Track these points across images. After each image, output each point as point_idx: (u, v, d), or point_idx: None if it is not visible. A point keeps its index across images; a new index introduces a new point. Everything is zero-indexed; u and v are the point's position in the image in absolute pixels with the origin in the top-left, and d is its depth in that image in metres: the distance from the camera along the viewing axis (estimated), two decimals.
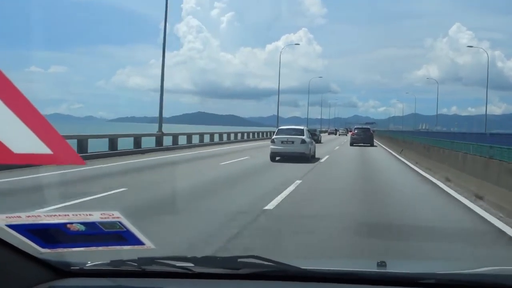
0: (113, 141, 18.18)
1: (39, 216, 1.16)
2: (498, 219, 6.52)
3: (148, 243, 1.32)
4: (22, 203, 7.11)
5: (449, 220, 6.84)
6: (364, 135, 33.38)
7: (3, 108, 0.84)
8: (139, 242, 1.30)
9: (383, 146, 33.13)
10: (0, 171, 10.69)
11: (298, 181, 10.46)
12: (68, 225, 1.21)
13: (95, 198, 7.59)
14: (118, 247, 1.32)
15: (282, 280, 1.52)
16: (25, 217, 1.15)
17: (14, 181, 9.71)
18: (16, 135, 0.86)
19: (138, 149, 19.66)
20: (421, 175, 13.18)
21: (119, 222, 1.21)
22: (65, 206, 6.46)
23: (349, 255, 4.60)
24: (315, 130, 40.78)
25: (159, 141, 22.07)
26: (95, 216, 1.17)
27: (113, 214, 1.17)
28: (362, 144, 32.15)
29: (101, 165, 13.44)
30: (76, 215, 1.17)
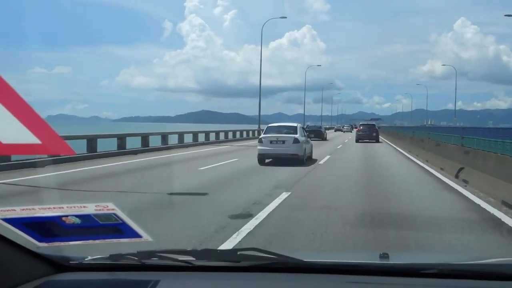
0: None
1: (33, 209, 1.15)
2: None
3: (146, 236, 1.30)
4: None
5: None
6: (369, 132, 33.73)
7: None
8: (136, 235, 1.29)
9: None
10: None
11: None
12: (63, 218, 1.20)
13: None
14: (115, 240, 1.31)
15: (283, 272, 1.50)
16: (19, 210, 1.14)
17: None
18: (4, 126, 0.85)
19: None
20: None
21: (115, 214, 1.20)
22: None
23: None
24: (320, 127, 40.57)
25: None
26: (90, 208, 1.16)
27: (107, 206, 1.16)
28: (367, 140, 32.34)
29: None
30: (71, 207, 1.16)
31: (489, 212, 6.65)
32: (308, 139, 16.40)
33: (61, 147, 0.89)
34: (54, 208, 1.16)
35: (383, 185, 9.71)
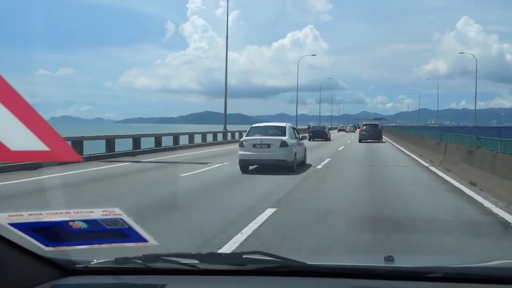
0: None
1: (41, 214, 1.16)
2: None
3: (152, 240, 1.31)
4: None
5: None
6: (372, 131, 33.76)
7: None
8: (142, 239, 1.30)
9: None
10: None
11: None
12: (70, 223, 1.21)
13: None
14: (121, 245, 1.32)
15: (288, 276, 1.50)
16: (27, 215, 1.15)
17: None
18: (12, 132, 0.86)
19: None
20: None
21: (121, 219, 1.20)
22: None
23: None
24: (323, 128, 40.41)
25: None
26: (97, 213, 1.17)
27: (114, 211, 1.17)
28: (370, 140, 32.34)
29: None
30: (78, 212, 1.17)
31: None
32: (301, 141, 13.94)
33: (69, 154, 0.90)
34: (61, 213, 1.17)
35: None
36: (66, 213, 1.17)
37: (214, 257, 1.64)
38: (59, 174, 10.96)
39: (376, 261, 1.82)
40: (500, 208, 6.84)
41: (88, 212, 1.16)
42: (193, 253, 1.65)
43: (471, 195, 8.24)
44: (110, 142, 17.75)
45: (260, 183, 9.95)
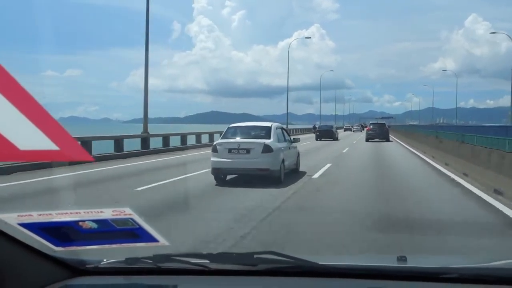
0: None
1: (50, 214, 1.15)
2: None
3: (162, 240, 1.29)
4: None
5: None
6: (379, 130, 33.64)
7: (7, 105, 0.82)
8: (153, 239, 1.28)
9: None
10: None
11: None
12: (80, 223, 1.20)
13: None
14: (132, 245, 1.30)
15: (300, 276, 1.48)
16: (36, 216, 1.14)
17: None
18: (22, 132, 0.84)
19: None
20: None
21: (132, 219, 1.19)
22: None
23: None
24: (331, 127, 40.13)
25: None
26: (107, 213, 1.15)
27: (124, 211, 1.15)
28: (377, 140, 32.20)
29: None
30: (88, 212, 1.16)
31: None
32: (293, 144, 11.52)
33: (80, 153, 0.88)
34: (71, 213, 1.16)
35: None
36: (76, 213, 1.15)
37: (225, 257, 1.62)
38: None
39: (389, 261, 1.79)
40: None
41: (98, 212, 1.15)
42: (204, 253, 1.64)
43: None
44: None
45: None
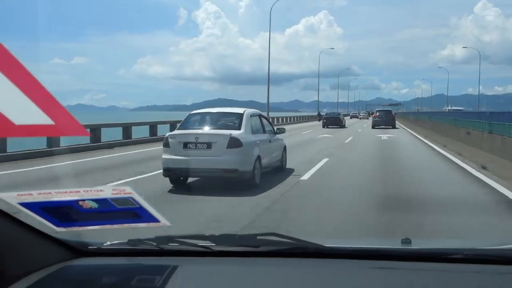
0: None
1: (50, 193, 1.14)
2: None
3: (163, 220, 1.28)
4: None
5: None
6: (386, 118, 33.94)
7: (2, 79, 0.80)
8: (154, 219, 1.27)
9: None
10: None
11: None
12: (80, 202, 1.18)
13: None
14: (133, 225, 1.29)
15: (303, 257, 1.47)
16: (36, 195, 1.13)
17: None
18: (17, 106, 0.83)
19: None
20: None
21: (132, 198, 1.17)
22: None
23: None
24: (338, 114, 39.89)
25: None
26: (107, 192, 1.14)
27: (124, 190, 1.14)
28: (383, 127, 32.22)
29: None
30: (87, 191, 1.14)
31: None
32: (276, 136, 9.21)
33: (76, 128, 0.87)
34: (70, 192, 1.14)
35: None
36: (76, 192, 1.14)
37: (227, 238, 1.62)
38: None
39: (393, 244, 1.78)
40: None
41: (98, 191, 1.14)
42: (207, 234, 1.63)
43: None
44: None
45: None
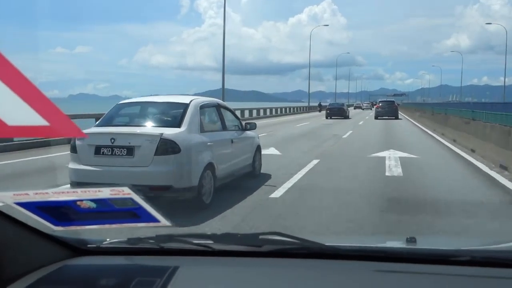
0: None
1: (47, 193, 1.11)
2: None
3: (163, 220, 1.25)
4: None
5: None
6: (389, 108, 34.65)
7: None
8: (154, 219, 1.24)
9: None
10: None
11: None
12: (78, 203, 1.16)
13: None
14: (132, 225, 1.27)
15: (306, 258, 1.44)
16: (33, 195, 1.10)
17: None
18: (9, 107, 0.80)
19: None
20: None
21: (131, 199, 1.15)
22: None
23: None
24: (342, 105, 39.66)
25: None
26: (105, 193, 1.11)
27: (123, 191, 1.11)
28: (386, 117, 32.44)
29: None
30: (85, 191, 1.12)
31: None
32: (246, 133, 7.25)
33: (71, 129, 0.83)
34: (68, 192, 1.12)
35: None
36: (73, 192, 1.11)
37: (229, 237, 1.59)
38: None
39: (397, 243, 1.75)
40: None
41: (96, 191, 1.11)
42: (208, 233, 1.61)
43: None
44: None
45: None
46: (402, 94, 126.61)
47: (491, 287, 1.25)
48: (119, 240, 1.50)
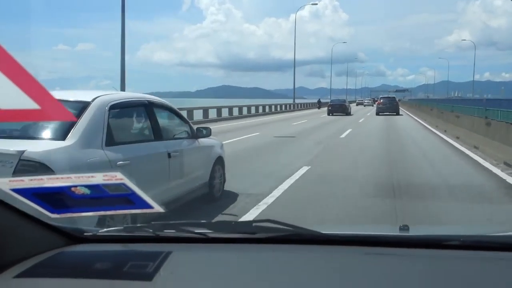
0: None
1: (42, 179, 1.13)
2: None
3: (157, 207, 1.27)
4: None
5: None
6: (390, 104, 35.13)
7: None
8: (148, 206, 1.26)
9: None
10: None
11: None
12: (73, 189, 1.18)
13: None
14: (127, 211, 1.29)
15: (299, 244, 1.47)
16: (28, 181, 1.12)
17: None
18: (1, 91, 0.81)
19: None
20: None
21: (124, 184, 1.16)
22: None
23: None
24: (344, 101, 39.51)
25: None
26: (98, 178, 1.13)
27: (116, 176, 1.13)
28: (387, 113, 32.64)
29: None
30: (79, 177, 1.14)
31: None
32: (200, 140, 5.46)
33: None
34: (62, 178, 1.13)
35: None
36: (67, 178, 1.13)
37: (223, 225, 1.62)
38: None
39: (390, 231, 1.78)
40: None
41: (89, 177, 1.13)
42: (203, 221, 1.63)
43: None
44: None
45: None
46: (404, 90, 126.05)
47: (480, 269, 1.27)
48: (115, 228, 1.53)
